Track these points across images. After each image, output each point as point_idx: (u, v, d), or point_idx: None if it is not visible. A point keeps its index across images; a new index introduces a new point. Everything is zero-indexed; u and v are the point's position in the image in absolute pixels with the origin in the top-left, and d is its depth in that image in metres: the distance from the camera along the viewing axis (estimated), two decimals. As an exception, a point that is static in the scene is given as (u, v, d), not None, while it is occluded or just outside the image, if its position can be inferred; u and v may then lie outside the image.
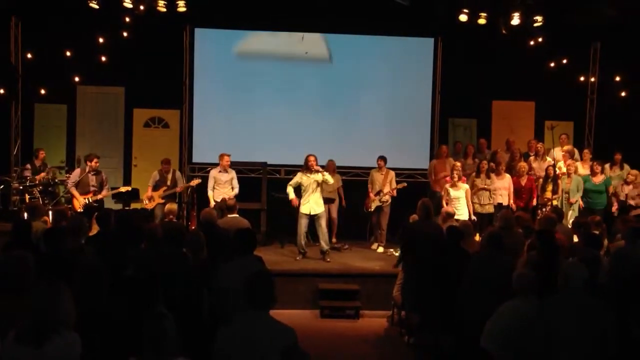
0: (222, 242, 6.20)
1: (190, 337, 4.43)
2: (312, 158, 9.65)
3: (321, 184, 9.71)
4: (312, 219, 9.77)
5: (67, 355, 3.38)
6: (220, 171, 10.44)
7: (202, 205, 9.95)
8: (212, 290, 5.14)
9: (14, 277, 4.00)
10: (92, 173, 10.11)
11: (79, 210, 9.73)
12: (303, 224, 9.78)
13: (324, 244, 9.81)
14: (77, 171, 10.21)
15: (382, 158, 10.94)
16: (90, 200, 9.98)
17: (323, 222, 9.80)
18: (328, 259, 9.78)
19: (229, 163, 10.45)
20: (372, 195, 10.87)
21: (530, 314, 4.30)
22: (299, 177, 9.75)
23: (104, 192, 10.25)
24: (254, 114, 12.31)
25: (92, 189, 10.08)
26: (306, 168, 9.68)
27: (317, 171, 9.63)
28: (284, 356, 3.16)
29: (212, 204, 10.16)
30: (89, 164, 10.10)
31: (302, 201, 9.74)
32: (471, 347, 4.94)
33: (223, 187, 10.39)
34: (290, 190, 9.80)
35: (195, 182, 10.63)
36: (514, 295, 4.64)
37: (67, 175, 11.11)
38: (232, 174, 10.53)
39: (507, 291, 4.73)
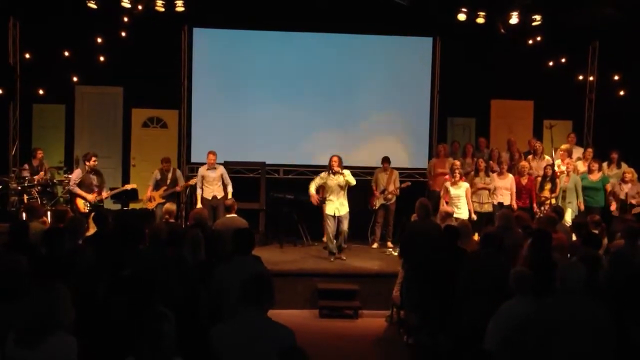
0: (214, 241, 6.18)
1: (187, 337, 4.42)
2: (334, 159, 9.57)
3: (345, 186, 9.63)
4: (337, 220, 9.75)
5: (64, 357, 3.37)
6: (208, 169, 10.52)
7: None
8: (210, 290, 5.12)
9: (8, 282, 3.99)
10: (91, 173, 10.09)
11: (83, 210, 9.73)
12: (331, 225, 9.71)
13: (342, 242, 9.86)
14: (78, 171, 10.17)
15: (386, 160, 10.93)
16: (96, 200, 9.99)
17: (346, 224, 9.75)
18: (344, 257, 9.82)
19: (213, 160, 10.51)
20: (376, 193, 10.88)
21: (528, 314, 4.28)
22: (322, 179, 9.67)
23: (105, 193, 10.27)
24: (252, 113, 12.30)
25: (95, 188, 10.07)
26: (329, 169, 9.60)
27: (337, 172, 9.54)
28: (282, 357, 3.15)
29: (199, 202, 10.34)
30: (87, 163, 10.09)
31: (327, 201, 9.70)
32: (469, 347, 4.93)
33: (212, 184, 10.49)
34: (311, 187, 9.73)
35: (193, 181, 10.68)
36: (510, 295, 4.63)
37: (66, 175, 11.12)
38: (220, 170, 10.59)
39: (504, 291, 4.72)
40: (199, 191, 10.50)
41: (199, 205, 10.33)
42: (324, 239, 10.37)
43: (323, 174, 9.74)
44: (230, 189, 10.45)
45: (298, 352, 3.19)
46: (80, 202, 9.91)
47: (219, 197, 10.37)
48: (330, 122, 12.40)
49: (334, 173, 9.54)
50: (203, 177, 10.50)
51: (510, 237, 6.76)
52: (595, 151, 11.32)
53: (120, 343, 3.74)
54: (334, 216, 9.65)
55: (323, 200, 9.87)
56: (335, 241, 9.79)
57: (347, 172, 9.64)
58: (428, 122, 12.60)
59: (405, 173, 11.91)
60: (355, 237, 11.23)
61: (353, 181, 9.62)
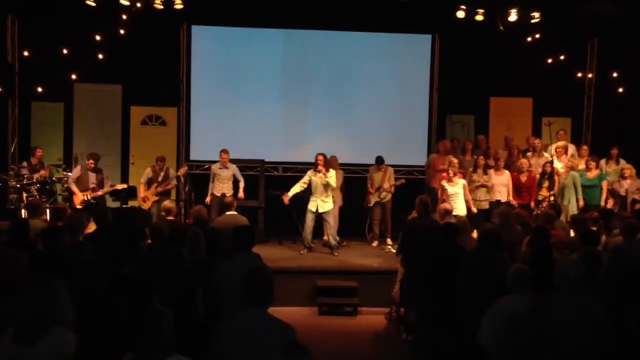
0: (214, 239, 6.19)
1: (185, 335, 4.42)
2: (319, 157, 9.81)
3: (328, 185, 9.81)
4: (320, 216, 9.95)
5: (60, 354, 3.37)
6: (220, 167, 10.67)
7: (199, 202, 10.07)
8: (210, 287, 5.12)
9: (7, 277, 3.99)
10: (90, 170, 10.19)
11: (77, 206, 9.84)
12: (309, 218, 9.95)
13: (331, 239, 10.04)
14: (78, 168, 10.39)
15: (379, 160, 10.95)
16: (89, 197, 10.04)
17: (330, 219, 9.99)
18: (335, 254, 9.99)
19: (225, 159, 10.61)
20: (371, 191, 10.91)
21: (525, 311, 4.29)
22: (308, 176, 9.91)
23: (101, 190, 10.30)
24: (251, 111, 12.28)
25: (91, 185, 10.18)
26: (315, 167, 9.83)
27: (320, 171, 9.73)
28: (287, 353, 3.15)
29: (209, 195, 10.58)
30: (87, 162, 10.25)
31: (310, 198, 9.92)
32: (468, 344, 4.94)
33: (223, 182, 10.67)
34: (291, 191, 9.92)
35: (182, 170, 10.77)
36: (508, 292, 4.63)
37: (65, 173, 11.14)
38: (232, 168, 10.77)
39: (502, 288, 4.73)
40: (210, 185, 10.67)
41: (208, 199, 10.59)
42: (324, 237, 10.41)
43: (310, 172, 9.94)
44: (242, 185, 10.70)
45: (302, 346, 3.19)
46: (76, 199, 10.13)
47: (227, 194, 10.45)
48: (328, 119, 12.39)
49: (319, 171, 9.75)
50: (215, 175, 10.69)
51: (509, 234, 6.77)
52: (593, 148, 11.31)
53: (119, 340, 3.75)
54: (314, 212, 9.87)
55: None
56: (328, 238, 10.06)
57: (332, 172, 9.84)
58: (427, 119, 12.60)
59: (403, 170, 11.93)
60: (355, 234, 11.25)
61: (333, 184, 9.83)
